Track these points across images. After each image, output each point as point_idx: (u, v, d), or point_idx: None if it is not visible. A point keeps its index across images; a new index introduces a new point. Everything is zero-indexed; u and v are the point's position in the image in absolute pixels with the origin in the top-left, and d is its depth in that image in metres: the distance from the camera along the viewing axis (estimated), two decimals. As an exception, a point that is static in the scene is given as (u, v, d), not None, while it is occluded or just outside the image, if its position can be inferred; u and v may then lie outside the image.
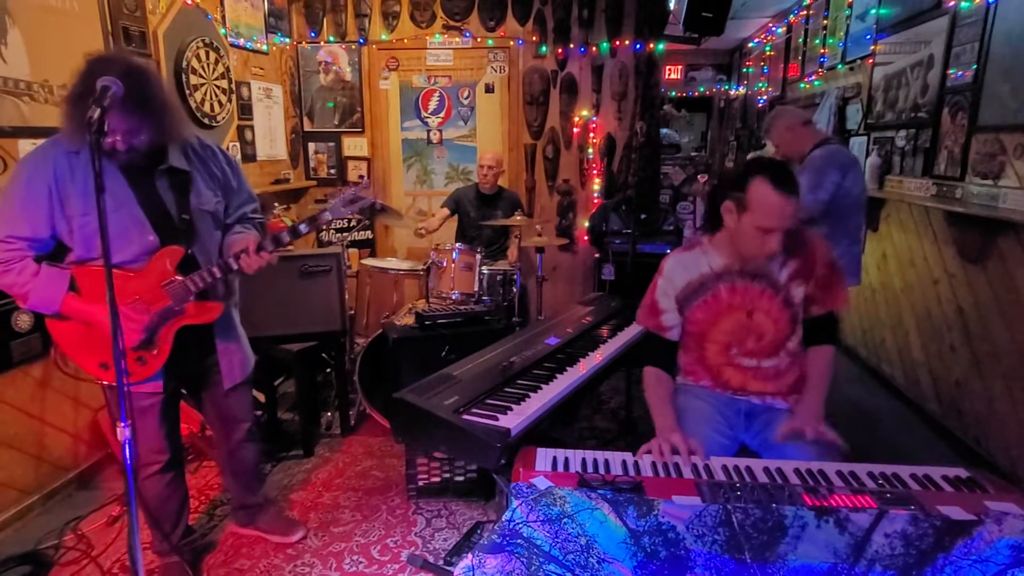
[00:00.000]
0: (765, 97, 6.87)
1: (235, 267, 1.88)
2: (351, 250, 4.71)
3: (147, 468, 2.05)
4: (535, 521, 1.38)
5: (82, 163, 1.72)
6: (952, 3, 3.17)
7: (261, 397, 3.23)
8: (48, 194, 1.71)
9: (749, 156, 5.24)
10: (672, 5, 4.60)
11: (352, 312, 3.72)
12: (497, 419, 1.77)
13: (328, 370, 3.65)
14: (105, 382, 1.90)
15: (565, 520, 1.37)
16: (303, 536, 2.42)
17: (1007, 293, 2.72)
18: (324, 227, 2.41)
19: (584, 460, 1.61)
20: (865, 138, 4.20)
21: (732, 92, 8.32)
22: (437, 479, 2.66)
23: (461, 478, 2.66)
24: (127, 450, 1.49)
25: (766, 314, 1.87)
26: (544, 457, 1.62)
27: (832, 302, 1.89)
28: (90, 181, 1.61)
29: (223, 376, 2.11)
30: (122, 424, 1.48)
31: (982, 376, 2.92)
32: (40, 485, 2.58)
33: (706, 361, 1.99)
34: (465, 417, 1.79)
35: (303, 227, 1.94)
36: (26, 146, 2.48)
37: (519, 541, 1.38)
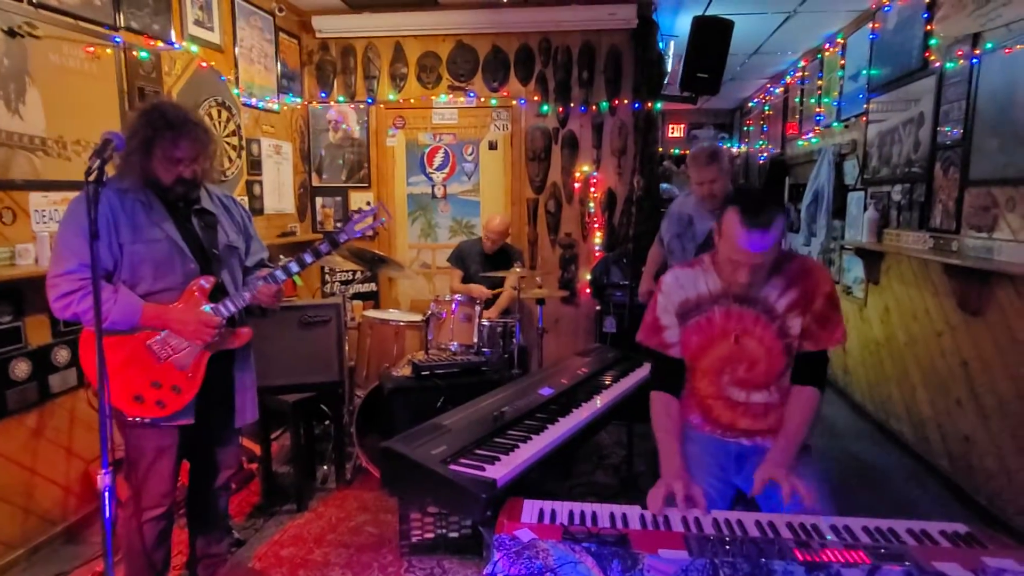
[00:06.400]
0: (765, 154, 7.01)
1: (260, 285, 2.03)
2: (355, 302, 4.73)
3: (151, 511, 2.03)
4: (516, 575, 1.34)
5: (129, 199, 1.91)
6: (938, 64, 3.26)
7: (256, 449, 3.20)
8: (106, 223, 1.86)
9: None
10: (669, 67, 4.76)
11: (353, 364, 3.71)
12: (484, 469, 1.75)
13: (326, 422, 3.62)
14: (139, 417, 1.93)
15: (547, 574, 1.33)
16: None
17: (1009, 345, 2.69)
18: (335, 252, 2.54)
19: (571, 512, 1.58)
20: (863, 193, 4.24)
21: (734, 150, 8.47)
22: (431, 535, 2.59)
23: (456, 534, 2.59)
24: (106, 496, 1.48)
25: (759, 342, 1.81)
26: (530, 509, 1.58)
27: (826, 340, 1.80)
28: (137, 213, 1.89)
29: (236, 413, 2.17)
30: (103, 470, 1.47)
31: (990, 431, 2.85)
32: (26, 539, 2.53)
33: (697, 394, 1.95)
34: (452, 467, 1.76)
35: (324, 247, 2.10)
36: (36, 198, 2.56)
37: (500, 596, 1.34)
